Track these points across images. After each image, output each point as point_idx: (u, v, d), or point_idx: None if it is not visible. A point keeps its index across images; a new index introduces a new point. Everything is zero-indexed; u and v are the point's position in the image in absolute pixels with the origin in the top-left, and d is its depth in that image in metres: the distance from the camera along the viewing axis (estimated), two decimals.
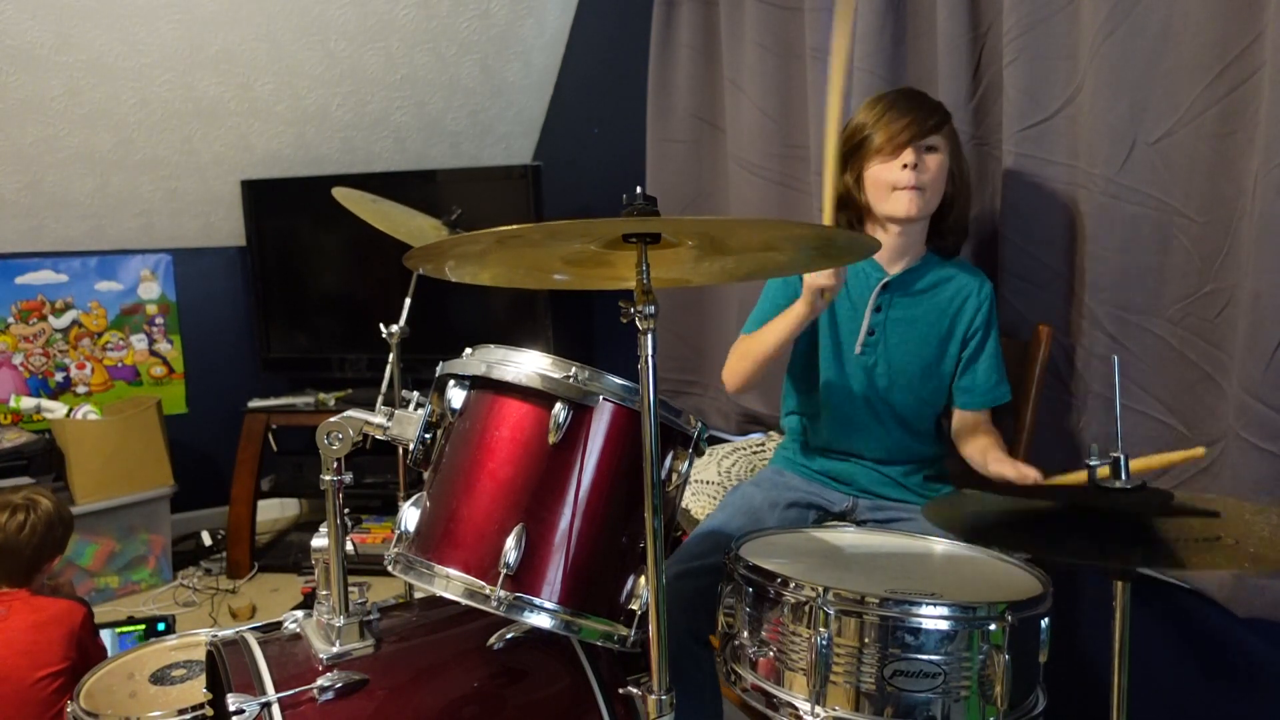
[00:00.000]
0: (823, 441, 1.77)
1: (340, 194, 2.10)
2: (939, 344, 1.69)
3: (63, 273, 3.39)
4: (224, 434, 3.39)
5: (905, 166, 1.59)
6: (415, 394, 1.42)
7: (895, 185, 1.61)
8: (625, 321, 1.11)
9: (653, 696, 1.11)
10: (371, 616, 1.38)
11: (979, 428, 1.69)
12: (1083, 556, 0.95)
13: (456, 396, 1.32)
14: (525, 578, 1.22)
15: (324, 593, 1.37)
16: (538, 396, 1.25)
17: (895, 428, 1.70)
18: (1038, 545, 1.02)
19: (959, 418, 1.72)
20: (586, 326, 3.53)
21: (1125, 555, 0.94)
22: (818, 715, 1.17)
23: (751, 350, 1.69)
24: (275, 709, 1.22)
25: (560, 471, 1.24)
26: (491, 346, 1.32)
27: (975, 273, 1.72)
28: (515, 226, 1.06)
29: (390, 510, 3.33)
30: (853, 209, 1.69)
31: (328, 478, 1.36)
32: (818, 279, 1.52)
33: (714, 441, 2.41)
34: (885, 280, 1.68)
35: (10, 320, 3.31)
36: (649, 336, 1.10)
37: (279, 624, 1.43)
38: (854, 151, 1.64)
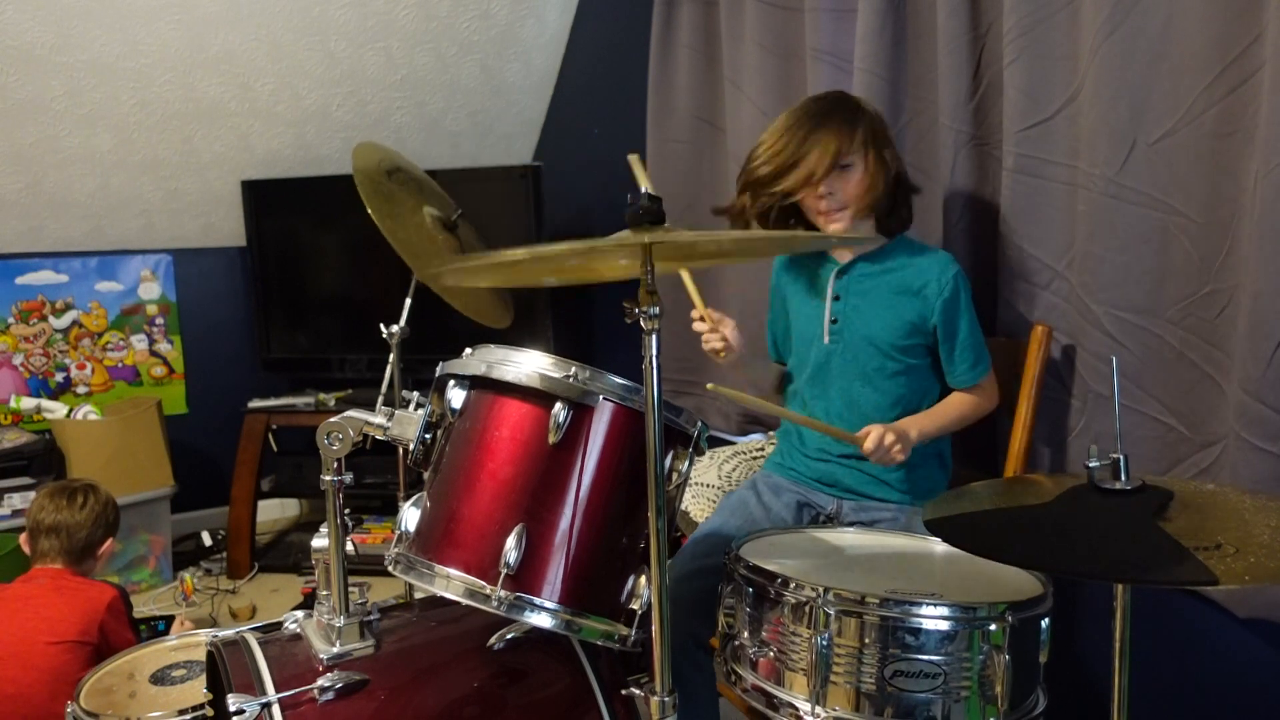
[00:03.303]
0: (807, 442, 1.78)
1: (360, 150, 2.07)
2: (905, 327, 1.68)
3: (63, 273, 3.39)
4: (224, 434, 3.39)
5: (819, 197, 1.65)
6: (415, 394, 1.43)
7: (819, 212, 1.67)
8: (629, 322, 1.11)
9: (654, 697, 1.11)
10: (372, 617, 1.38)
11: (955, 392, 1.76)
12: (1078, 567, 0.95)
13: (456, 396, 1.32)
14: (526, 577, 1.22)
15: (324, 593, 1.37)
16: (538, 396, 1.25)
17: (870, 416, 1.67)
18: (1033, 554, 1.02)
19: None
20: (587, 326, 3.53)
21: (1121, 568, 0.94)
22: (818, 715, 1.17)
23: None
24: (275, 709, 1.22)
25: (560, 471, 1.24)
26: (492, 346, 1.32)
27: (939, 257, 1.72)
28: (517, 252, 1.05)
29: (390, 510, 3.33)
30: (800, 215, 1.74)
31: (328, 478, 1.36)
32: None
33: (714, 442, 2.41)
34: (838, 268, 1.72)
35: (10, 320, 3.31)
36: (653, 337, 1.10)
37: (279, 624, 1.43)
38: (779, 192, 1.66)
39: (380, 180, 2.09)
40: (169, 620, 2.40)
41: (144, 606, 2.97)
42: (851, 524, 1.70)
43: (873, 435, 1.54)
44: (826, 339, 1.72)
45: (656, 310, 1.10)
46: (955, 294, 1.68)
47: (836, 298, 1.72)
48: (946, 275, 1.68)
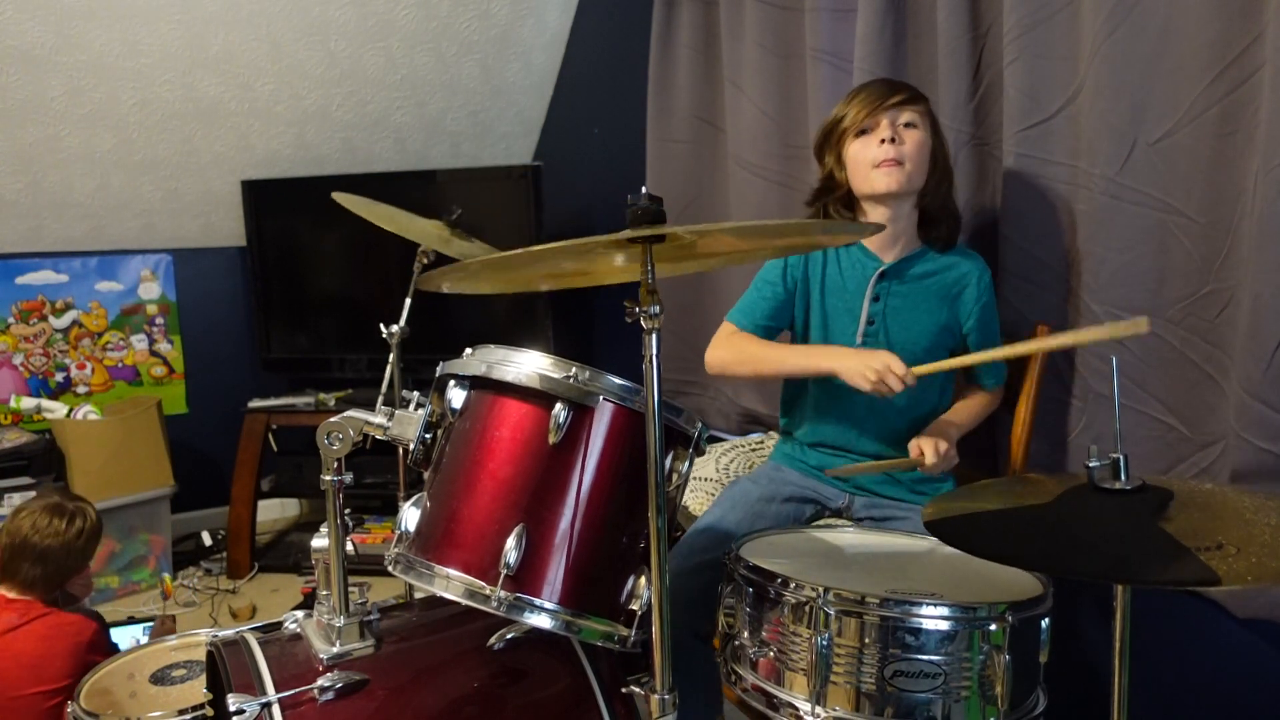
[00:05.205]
0: (821, 437, 1.77)
1: (341, 198, 2.10)
2: (939, 331, 1.69)
3: (63, 273, 3.38)
4: (224, 434, 3.39)
5: (882, 141, 1.62)
6: (415, 394, 1.42)
7: (874, 162, 1.63)
8: (630, 321, 1.11)
9: (655, 696, 1.11)
10: (371, 617, 1.38)
11: (974, 391, 1.77)
12: (1078, 567, 0.95)
13: (457, 396, 1.32)
14: (525, 578, 1.22)
15: (324, 593, 1.37)
16: (538, 397, 1.25)
17: (895, 418, 1.69)
18: (1033, 554, 1.01)
19: (968, 384, 1.79)
20: (587, 326, 3.53)
21: (1121, 568, 0.94)
22: (818, 715, 1.17)
23: (756, 361, 1.73)
24: (275, 709, 1.22)
25: (560, 472, 1.24)
26: (492, 346, 1.32)
27: (975, 259, 1.73)
28: (516, 251, 1.06)
29: (390, 510, 3.33)
30: (838, 194, 1.72)
31: (328, 478, 1.36)
32: (888, 378, 1.49)
33: (714, 441, 2.41)
34: (882, 269, 1.69)
35: (10, 320, 3.31)
36: (653, 336, 1.10)
37: (279, 624, 1.43)
38: (833, 133, 1.69)
39: (369, 206, 2.11)
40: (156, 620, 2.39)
41: (142, 606, 2.97)
42: (862, 520, 1.69)
43: (928, 451, 1.53)
44: (860, 340, 1.68)
45: (657, 309, 1.10)
46: (991, 298, 1.71)
47: (876, 298, 1.69)
48: (984, 281, 1.71)
